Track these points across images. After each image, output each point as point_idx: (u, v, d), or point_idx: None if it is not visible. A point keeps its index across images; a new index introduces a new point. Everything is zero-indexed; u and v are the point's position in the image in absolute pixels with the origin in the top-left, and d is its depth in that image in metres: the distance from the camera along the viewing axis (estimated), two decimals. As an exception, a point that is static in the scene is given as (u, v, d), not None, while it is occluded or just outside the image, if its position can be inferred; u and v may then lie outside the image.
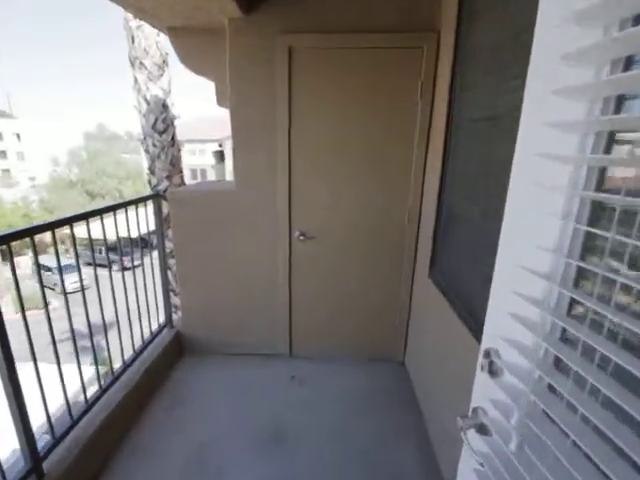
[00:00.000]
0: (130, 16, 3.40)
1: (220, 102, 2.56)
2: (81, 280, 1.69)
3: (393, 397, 2.29)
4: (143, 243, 2.47)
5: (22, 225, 1.47)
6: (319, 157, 2.26)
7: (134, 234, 2.27)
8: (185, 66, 2.44)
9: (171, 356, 2.67)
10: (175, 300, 4.35)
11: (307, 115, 2.19)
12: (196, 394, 2.33)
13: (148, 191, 3.99)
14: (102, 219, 1.87)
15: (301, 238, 2.35)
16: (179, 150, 3.89)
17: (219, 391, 2.35)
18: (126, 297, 2.13)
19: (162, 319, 2.78)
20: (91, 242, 1.85)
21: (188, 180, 4.45)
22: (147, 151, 3.78)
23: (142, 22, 3.48)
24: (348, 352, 2.65)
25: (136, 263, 2.37)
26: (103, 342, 2.04)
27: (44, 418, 1.56)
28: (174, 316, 2.88)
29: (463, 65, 1.70)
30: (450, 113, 1.84)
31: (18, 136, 35.70)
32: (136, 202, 2.25)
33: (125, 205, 2.11)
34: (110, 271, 1.93)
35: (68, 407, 1.74)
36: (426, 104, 2.14)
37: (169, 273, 4.29)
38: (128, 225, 2.11)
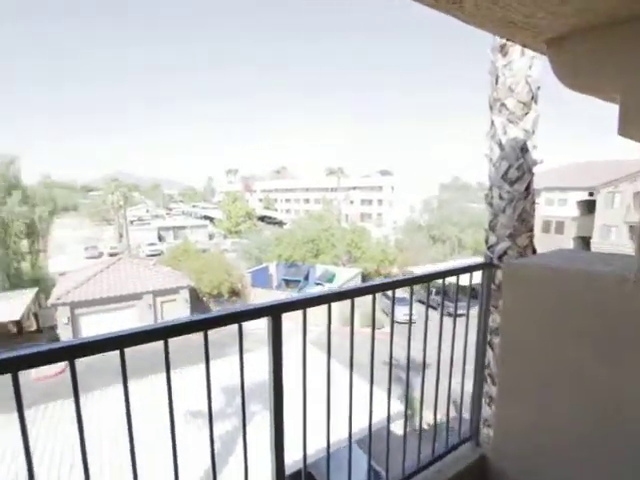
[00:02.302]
0: (499, 56, 3.20)
1: (626, 130, 1.67)
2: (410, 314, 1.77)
3: None
4: (473, 293, 2.25)
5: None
6: None
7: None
8: (567, 86, 1.79)
9: (469, 489, 2.01)
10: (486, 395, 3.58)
11: None
12: None
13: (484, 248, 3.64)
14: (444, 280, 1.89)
15: None
16: (533, 203, 3.19)
17: None
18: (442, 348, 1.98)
19: (464, 426, 2.20)
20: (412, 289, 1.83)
21: (538, 234, 3.59)
22: (490, 204, 3.37)
23: (510, 58, 3.17)
24: None
25: (460, 312, 2.16)
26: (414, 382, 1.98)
27: None
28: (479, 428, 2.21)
29: None
30: None
31: (392, 188, 50.18)
32: (461, 272, 1.88)
33: (447, 275, 1.85)
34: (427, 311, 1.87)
35: None
36: None
37: (489, 354, 3.61)
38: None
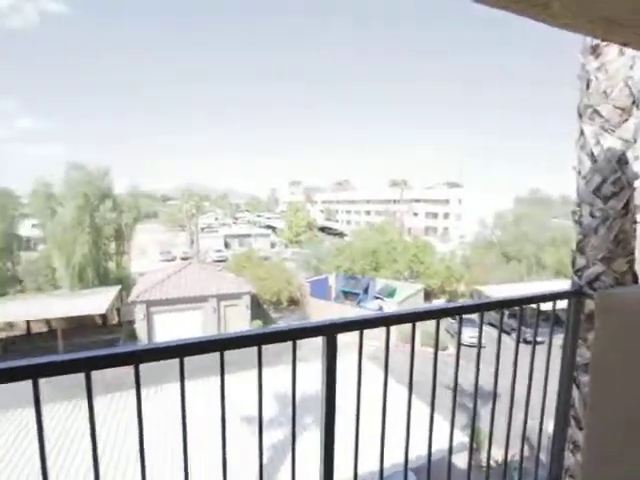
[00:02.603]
0: (590, 58, 2.87)
1: None
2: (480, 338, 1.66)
3: None
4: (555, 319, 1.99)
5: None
6: None
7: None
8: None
9: None
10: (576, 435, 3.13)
11: None
12: None
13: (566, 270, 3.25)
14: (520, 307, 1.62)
15: None
16: (634, 223, 2.77)
17: None
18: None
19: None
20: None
21: (639, 257, 3.11)
22: (579, 222, 3.00)
23: (605, 60, 2.84)
24: None
25: (541, 339, 1.99)
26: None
27: None
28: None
29: None
30: None
31: (459, 201, 47.91)
32: (543, 300, 1.68)
33: (525, 302, 1.65)
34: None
35: None
36: None
37: (575, 393, 3.17)
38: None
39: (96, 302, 19.52)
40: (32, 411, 0.90)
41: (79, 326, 21.09)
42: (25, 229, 24.91)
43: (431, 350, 1.58)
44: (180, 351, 1.01)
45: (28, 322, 21.27)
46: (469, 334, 13.92)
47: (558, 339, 2.06)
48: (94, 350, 0.91)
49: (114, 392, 8.11)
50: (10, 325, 20.90)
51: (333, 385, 1.30)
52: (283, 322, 24.31)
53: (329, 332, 1.22)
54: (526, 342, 1.95)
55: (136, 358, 0.96)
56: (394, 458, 1.79)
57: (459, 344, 1.60)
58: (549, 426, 2.10)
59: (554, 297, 1.73)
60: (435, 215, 55.69)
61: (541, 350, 1.83)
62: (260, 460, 1.29)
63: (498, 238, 31.24)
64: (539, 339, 2.06)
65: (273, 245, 53.06)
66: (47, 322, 21.66)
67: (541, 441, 2.02)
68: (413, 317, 1.38)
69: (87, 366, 0.90)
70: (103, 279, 23.41)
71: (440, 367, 1.56)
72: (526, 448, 2.04)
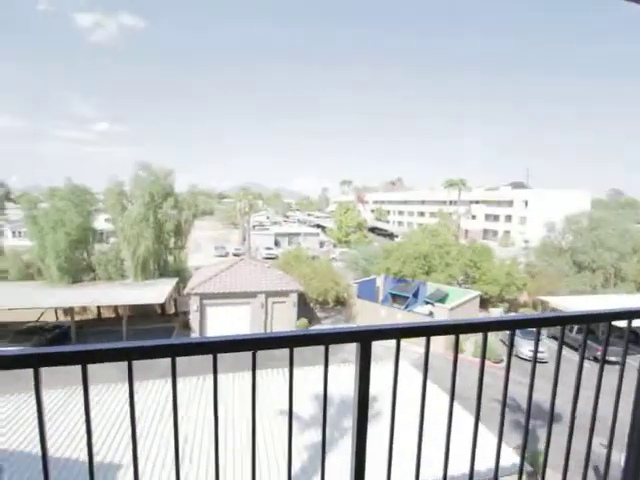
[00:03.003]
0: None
1: None
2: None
3: None
4: (632, 336, 1.71)
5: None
6: None
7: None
8: None
9: None
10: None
11: None
12: None
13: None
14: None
15: None
16: None
17: None
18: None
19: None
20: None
21: None
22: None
23: None
24: None
25: (614, 359, 1.71)
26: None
27: None
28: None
29: None
30: None
31: (525, 203, 44.59)
32: (613, 318, 1.50)
33: (591, 320, 1.49)
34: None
35: None
36: None
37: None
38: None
39: (156, 292, 21.14)
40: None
41: (141, 313, 23.02)
42: (99, 223, 27.65)
43: (486, 363, 1.48)
44: (213, 348, 1.05)
45: (99, 307, 23.66)
46: (530, 347, 12.95)
47: (634, 359, 1.81)
48: (136, 341, 0.98)
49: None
50: (84, 309, 23.40)
51: (366, 392, 1.27)
52: (329, 321, 24.41)
53: (363, 338, 1.20)
54: (597, 360, 1.75)
55: (173, 351, 1.02)
56: (434, 473, 1.72)
57: (509, 358, 1.49)
58: (616, 456, 1.87)
59: (630, 315, 1.53)
60: (496, 217, 52.45)
61: (613, 370, 1.63)
62: (289, 458, 1.30)
63: (569, 244, 28.53)
64: (612, 358, 1.84)
65: (322, 244, 53.53)
66: (115, 308, 23.91)
67: (609, 473, 1.81)
68: (455, 329, 1.30)
69: (129, 356, 0.97)
70: (163, 271, 25.28)
71: (493, 382, 1.46)
72: (593, 478, 1.85)
